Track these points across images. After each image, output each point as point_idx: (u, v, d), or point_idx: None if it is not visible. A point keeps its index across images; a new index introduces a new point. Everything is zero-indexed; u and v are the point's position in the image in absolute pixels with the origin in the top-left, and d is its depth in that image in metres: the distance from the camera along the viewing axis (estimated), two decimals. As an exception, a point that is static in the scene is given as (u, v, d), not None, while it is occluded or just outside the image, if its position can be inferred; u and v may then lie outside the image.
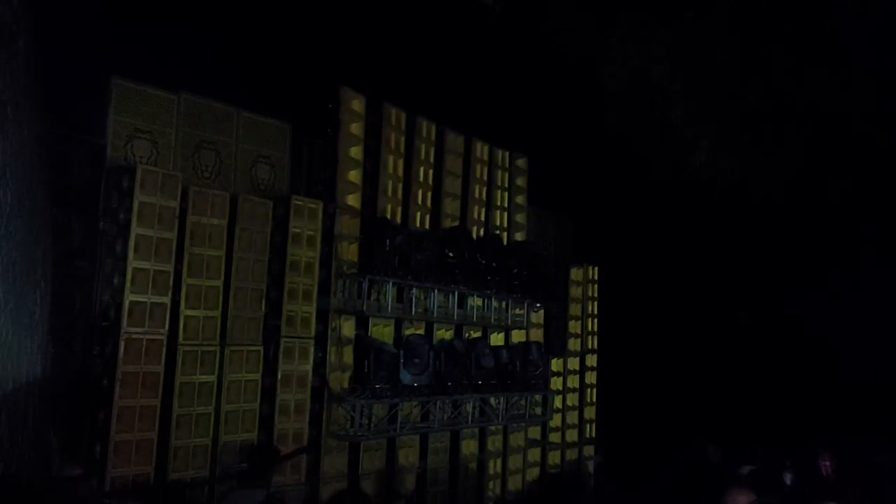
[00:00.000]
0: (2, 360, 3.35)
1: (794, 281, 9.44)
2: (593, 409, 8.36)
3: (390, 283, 5.88)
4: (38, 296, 3.96)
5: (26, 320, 3.71)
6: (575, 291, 8.33)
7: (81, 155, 4.53)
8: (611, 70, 8.27)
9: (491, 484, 7.02)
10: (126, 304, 4.30)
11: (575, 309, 8.31)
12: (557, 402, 7.94)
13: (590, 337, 8.42)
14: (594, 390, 8.41)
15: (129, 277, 4.32)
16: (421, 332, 6.38)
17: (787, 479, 6.22)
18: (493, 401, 6.74)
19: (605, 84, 8.31)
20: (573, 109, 8.15)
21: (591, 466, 6.47)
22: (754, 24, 8.00)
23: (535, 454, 7.69)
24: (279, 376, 5.16)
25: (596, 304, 8.49)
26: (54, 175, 4.30)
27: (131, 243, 4.34)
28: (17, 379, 3.54)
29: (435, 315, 6.39)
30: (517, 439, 7.39)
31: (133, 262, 4.34)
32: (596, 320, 8.48)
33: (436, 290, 6.33)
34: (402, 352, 5.83)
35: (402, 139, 6.39)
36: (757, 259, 9.31)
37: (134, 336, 4.32)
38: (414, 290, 6.14)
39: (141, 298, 4.37)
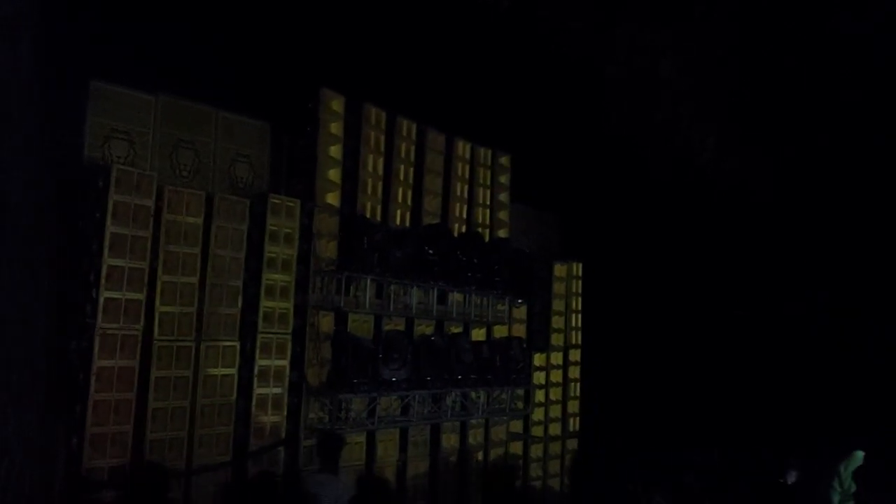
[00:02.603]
0: (10, 358, 3.48)
1: (791, 280, 9.40)
2: (576, 402, 8.48)
3: (368, 280, 5.98)
4: (37, 292, 4.09)
5: (24, 316, 3.84)
6: (559, 287, 8.42)
7: (60, 154, 4.62)
8: (600, 67, 8.30)
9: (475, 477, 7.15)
10: (101, 300, 4.41)
11: (559, 304, 8.41)
12: (540, 397, 8.04)
13: (573, 332, 8.52)
14: (577, 385, 8.51)
15: (103, 274, 4.43)
16: (401, 327, 6.49)
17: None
18: (473, 395, 6.85)
19: (594, 80, 8.35)
20: (559, 106, 8.18)
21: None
22: (753, 23, 8.00)
23: (516, 448, 7.81)
24: (256, 371, 5.26)
25: (580, 299, 8.59)
26: (37, 174, 4.40)
27: (106, 241, 4.45)
28: (22, 375, 3.69)
29: (414, 311, 6.48)
30: (499, 433, 7.50)
31: (108, 260, 4.45)
32: (580, 316, 8.58)
33: (415, 287, 6.43)
34: (380, 347, 5.94)
35: (382, 138, 6.48)
36: (740, 257, 9.33)
37: (109, 332, 4.43)
38: (392, 287, 6.23)
39: (116, 295, 4.48)
